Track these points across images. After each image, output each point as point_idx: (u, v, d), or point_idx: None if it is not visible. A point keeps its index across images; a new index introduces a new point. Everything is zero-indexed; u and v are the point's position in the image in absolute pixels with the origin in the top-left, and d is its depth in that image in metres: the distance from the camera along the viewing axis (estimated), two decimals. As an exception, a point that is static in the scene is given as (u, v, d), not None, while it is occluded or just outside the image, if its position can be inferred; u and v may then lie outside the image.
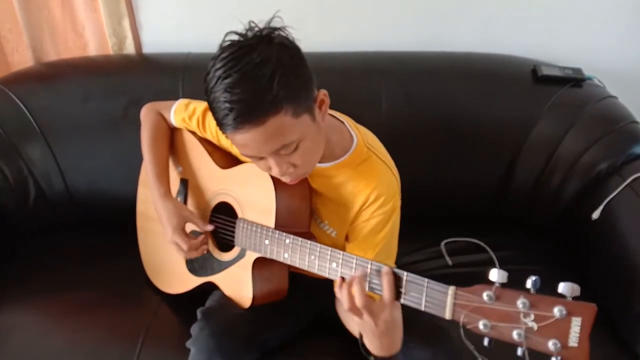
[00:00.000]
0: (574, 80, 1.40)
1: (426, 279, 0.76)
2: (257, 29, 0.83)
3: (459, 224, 1.45)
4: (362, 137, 1.00)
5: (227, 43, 0.83)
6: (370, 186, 0.96)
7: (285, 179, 0.91)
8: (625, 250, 1.17)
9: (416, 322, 0.99)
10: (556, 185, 1.37)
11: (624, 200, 1.23)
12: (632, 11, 1.49)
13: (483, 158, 1.41)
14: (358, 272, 0.83)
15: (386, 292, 0.79)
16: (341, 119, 1.03)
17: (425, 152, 1.41)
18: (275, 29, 0.83)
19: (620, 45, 1.53)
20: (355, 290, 0.80)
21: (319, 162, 0.96)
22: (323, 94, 0.89)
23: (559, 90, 1.38)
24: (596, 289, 1.20)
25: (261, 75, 0.78)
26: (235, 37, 0.83)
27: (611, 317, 1.13)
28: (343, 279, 0.84)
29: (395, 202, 0.99)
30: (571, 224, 1.37)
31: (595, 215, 1.25)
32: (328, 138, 0.94)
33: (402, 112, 1.39)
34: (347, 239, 1.03)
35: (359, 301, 0.80)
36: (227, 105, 0.79)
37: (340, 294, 0.82)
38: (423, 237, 1.38)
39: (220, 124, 0.83)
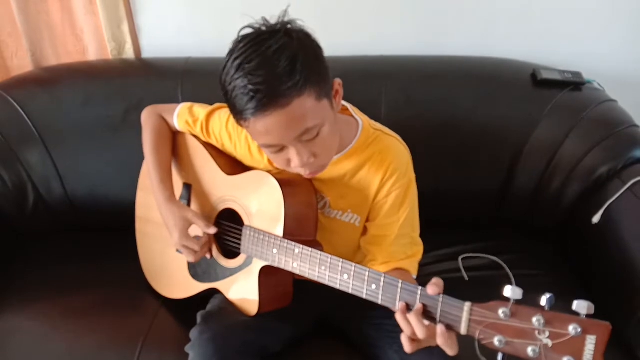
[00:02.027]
0: (573, 84, 1.40)
1: (441, 295, 0.75)
2: (270, 23, 0.83)
3: (459, 228, 1.45)
4: (367, 119, 1.03)
5: (242, 37, 0.83)
6: (384, 164, 0.98)
7: (305, 172, 0.91)
8: (626, 254, 1.16)
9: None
10: (556, 189, 1.37)
11: (624, 204, 1.23)
12: (632, 15, 1.49)
13: (483, 162, 1.41)
14: (418, 307, 0.77)
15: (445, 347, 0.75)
16: (344, 104, 1.04)
17: (426, 156, 1.37)
18: (288, 22, 0.84)
19: (620, 49, 1.53)
20: (414, 325, 0.76)
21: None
22: (338, 83, 0.90)
23: (559, 94, 1.38)
24: (597, 293, 1.21)
25: (283, 59, 0.79)
26: (250, 31, 0.83)
27: (613, 322, 1.12)
28: (407, 306, 0.78)
29: (410, 172, 1.01)
30: (572, 228, 1.37)
31: (596, 219, 1.25)
32: (340, 130, 0.95)
33: (402, 116, 1.39)
34: (367, 219, 1.03)
35: (420, 334, 0.76)
36: (251, 87, 0.79)
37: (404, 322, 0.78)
38: (424, 242, 1.38)
39: (241, 113, 0.82)
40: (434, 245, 1.38)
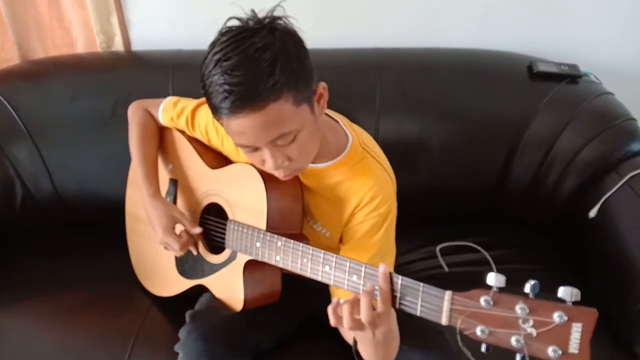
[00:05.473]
0: (570, 76, 1.39)
1: (421, 284, 0.74)
2: (258, 17, 0.81)
3: (455, 223, 1.43)
4: (358, 136, 0.98)
5: (226, 28, 0.80)
6: (366, 186, 0.94)
7: (279, 174, 0.89)
8: (622, 248, 1.16)
9: (409, 324, 0.98)
10: (553, 183, 1.36)
11: (621, 198, 1.22)
12: (630, 7, 1.48)
13: (479, 156, 1.40)
14: (368, 286, 0.77)
15: (383, 302, 0.76)
16: (336, 117, 1.01)
17: (420, 149, 1.39)
18: (277, 17, 0.81)
19: (617, 41, 1.52)
20: (364, 305, 0.75)
21: (316, 162, 0.94)
22: (322, 87, 0.87)
23: (555, 86, 1.37)
24: (594, 287, 1.19)
25: (263, 59, 0.76)
26: (236, 23, 0.81)
27: (609, 316, 1.12)
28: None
29: (391, 204, 0.96)
30: (568, 222, 1.36)
31: (593, 213, 1.24)
32: (324, 137, 0.92)
33: (397, 109, 1.37)
34: (341, 240, 1.01)
35: (365, 317, 0.75)
36: (226, 87, 0.76)
37: (339, 313, 0.77)
38: (419, 237, 1.36)
39: (216, 109, 0.80)
40: (429, 240, 1.36)
